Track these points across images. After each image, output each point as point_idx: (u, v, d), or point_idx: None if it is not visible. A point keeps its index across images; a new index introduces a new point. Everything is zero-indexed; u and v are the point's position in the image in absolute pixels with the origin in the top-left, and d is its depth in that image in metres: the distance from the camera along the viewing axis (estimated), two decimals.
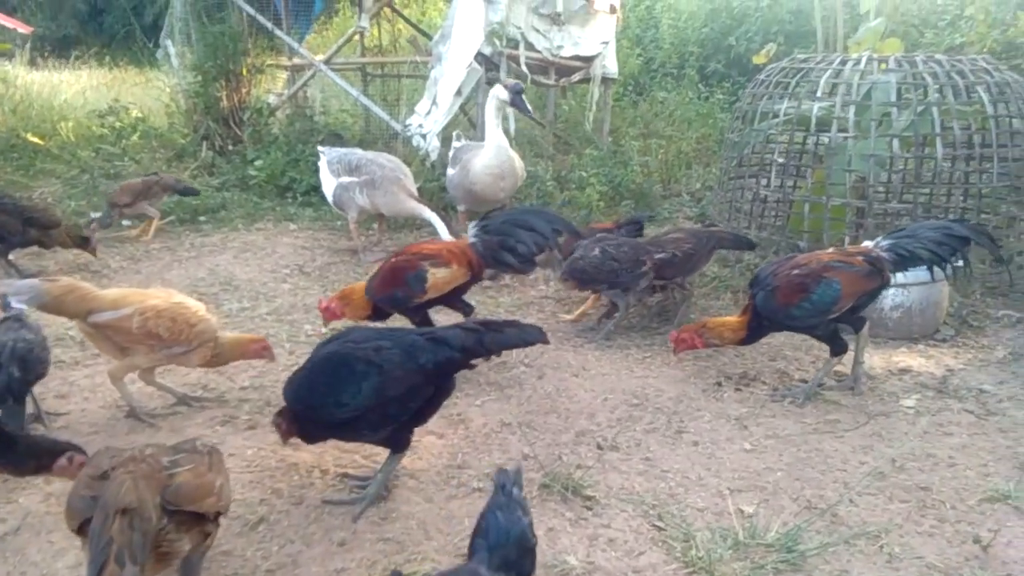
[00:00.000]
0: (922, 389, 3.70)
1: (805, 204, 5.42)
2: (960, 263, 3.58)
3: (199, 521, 2.08)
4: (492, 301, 4.90)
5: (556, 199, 6.47)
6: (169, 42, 10.61)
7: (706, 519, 2.68)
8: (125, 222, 6.35)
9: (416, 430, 3.16)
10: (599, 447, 3.15)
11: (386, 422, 2.61)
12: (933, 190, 5.59)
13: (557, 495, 2.77)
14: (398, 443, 2.72)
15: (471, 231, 3.83)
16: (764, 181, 5.86)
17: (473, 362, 2.70)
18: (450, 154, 6.36)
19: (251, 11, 8.71)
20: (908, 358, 4.10)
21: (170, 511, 1.99)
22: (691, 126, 9.30)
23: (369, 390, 2.52)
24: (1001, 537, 2.55)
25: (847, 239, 5.28)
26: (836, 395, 3.63)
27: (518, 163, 5.67)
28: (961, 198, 5.56)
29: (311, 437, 2.74)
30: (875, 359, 4.07)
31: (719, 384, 3.72)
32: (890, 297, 4.36)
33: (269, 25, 8.82)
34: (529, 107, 5.81)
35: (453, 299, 3.84)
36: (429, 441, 3.16)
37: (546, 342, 2.74)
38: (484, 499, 2.72)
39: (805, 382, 3.72)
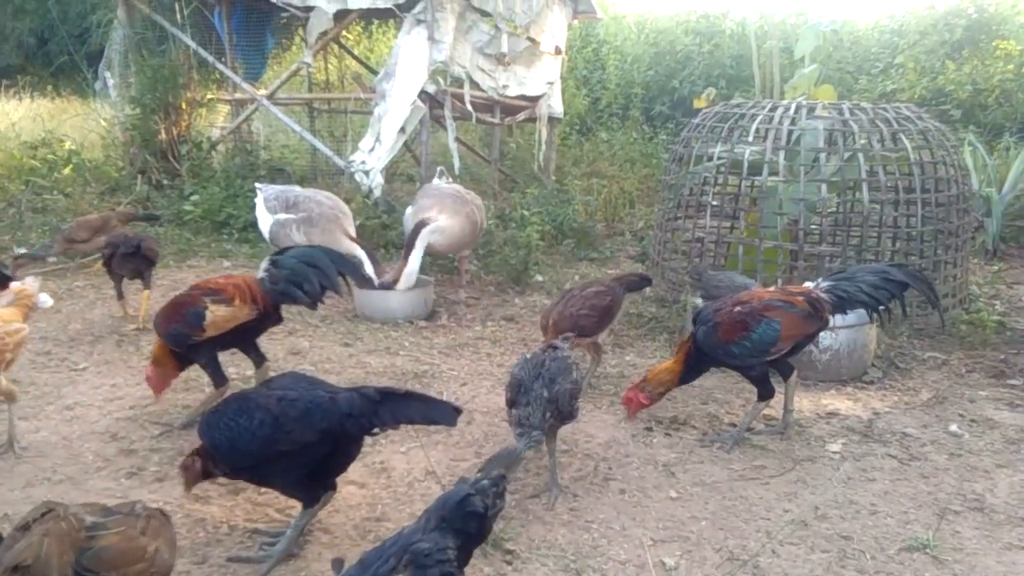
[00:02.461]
0: (848, 433, 3.72)
1: (739, 246, 5.51)
2: (897, 308, 3.62)
3: None
4: (426, 342, 4.82)
5: (497, 239, 6.43)
6: (108, 73, 10.42)
7: (627, 573, 2.62)
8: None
9: (337, 480, 3.08)
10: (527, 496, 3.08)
11: (284, 475, 2.51)
12: (863, 233, 5.74)
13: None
14: (305, 498, 2.60)
15: (262, 265, 3.62)
16: (700, 222, 5.93)
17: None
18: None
19: (192, 44, 8.60)
20: (836, 401, 4.13)
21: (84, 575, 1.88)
22: (635, 166, 9.44)
23: (262, 440, 2.43)
24: None
25: (779, 281, 5.37)
26: (764, 439, 3.62)
27: (466, 227, 5.50)
28: (890, 241, 5.72)
29: (228, 475, 2.64)
30: (804, 402, 4.09)
31: (649, 429, 3.69)
32: (819, 339, 4.41)
33: (210, 58, 8.72)
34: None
35: (245, 342, 3.64)
36: (348, 492, 3.05)
37: (452, 424, 2.57)
38: None
39: (735, 426, 3.71)
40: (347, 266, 3.82)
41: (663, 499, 3.08)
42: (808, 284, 3.67)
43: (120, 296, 4.98)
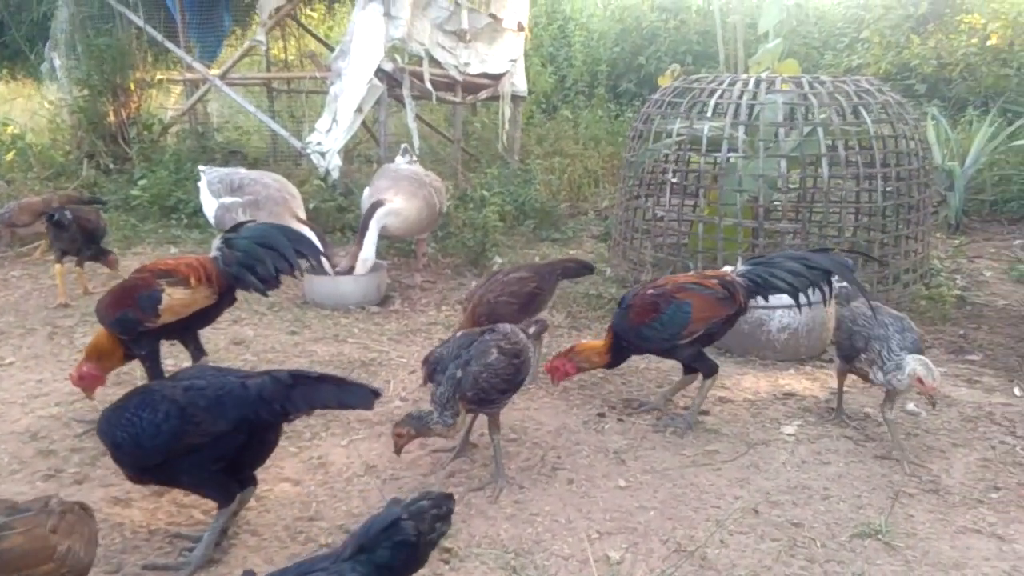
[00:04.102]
0: (804, 414, 3.63)
1: (699, 224, 5.39)
2: (817, 295, 3.50)
3: None
4: (377, 328, 4.66)
5: (455, 220, 6.26)
6: (55, 54, 10.04)
7: (569, 569, 2.50)
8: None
9: (269, 477, 2.94)
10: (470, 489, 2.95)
11: (195, 472, 2.36)
12: (825, 209, 5.65)
13: None
14: (219, 496, 2.45)
15: (214, 244, 3.37)
16: (659, 200, 5.81)
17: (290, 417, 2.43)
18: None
19: (139, 22, 8.29)
20: (794, 381, 4.04)
21: None
22: (600, 144, 9.28)
23: (168, 434, 2.27)
24: None
25: (739, 260, 5.26)
26: (718, 423, 3.53)
27: (424, 212, 5.36)
28: (851, 217, 5.64)
29: (134, 479, 2.47)
30: (761, 383, 4.00)
31: (602, 415, 3.58)
32: (777, 319, 4.32)
33: (158, 36, 8.41)
34: None
35: (190, 331, 3.38)
36: (281, 490, 2.90)
37: (369, 408, 2.43)
38: None
39: (689, 409, 3.61)
40: (306, 246, 3.55)
41: (611, 488, 2.96)
42: (727, 268, 3.58)
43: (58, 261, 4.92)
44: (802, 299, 3.43)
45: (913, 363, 2.99)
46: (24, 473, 2.91)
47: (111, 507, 2.71)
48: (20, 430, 3.24)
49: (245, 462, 2.48)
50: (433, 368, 2.86)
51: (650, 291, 3.40)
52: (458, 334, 2.99)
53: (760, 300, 3.62)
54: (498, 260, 6.09)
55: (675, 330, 3.33)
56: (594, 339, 4.57)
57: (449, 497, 1.96)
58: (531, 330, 3.17)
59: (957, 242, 6.80)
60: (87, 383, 3.13)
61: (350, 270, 5.00)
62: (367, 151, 8.81)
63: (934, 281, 5.53)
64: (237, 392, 2.33)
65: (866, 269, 5.11)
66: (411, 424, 2.75)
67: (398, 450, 2.81)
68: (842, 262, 3.47)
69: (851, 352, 3.30)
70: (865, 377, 3.28)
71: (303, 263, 3.49)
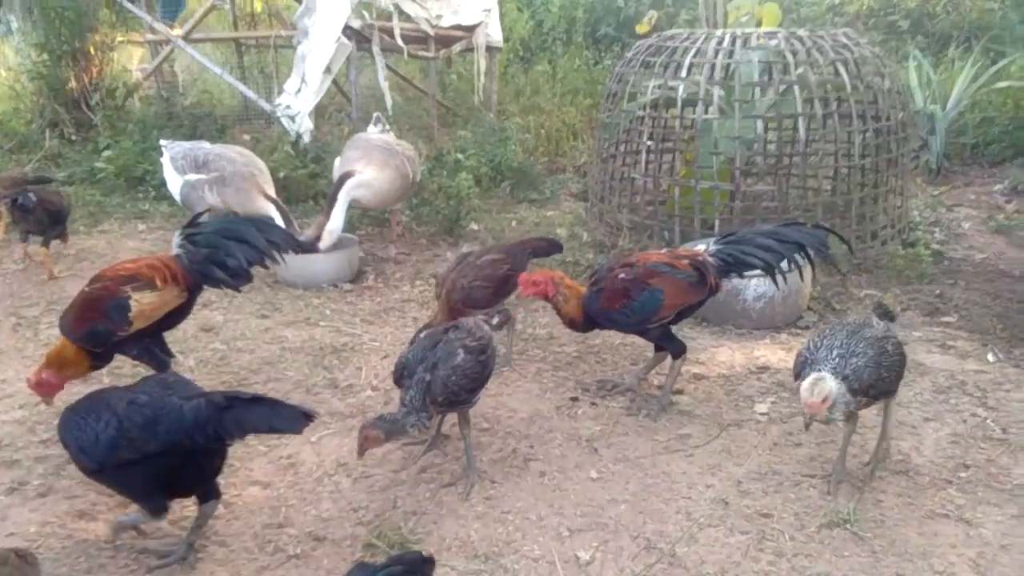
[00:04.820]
0: (778, 390, 3.62)
1: (675, 187, 5.30)
2: (791, 268, 3.46)
3: None
4: (350, 308, 4.59)
5: (429, 187, 6.12)
6: (11, 17, 9.66)
7: (539, 572, 2.51)
8: None
9: (238, 480, 2.92)
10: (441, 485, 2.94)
11: (128, 483, 2.40)
12: (802, 170, 5.56)
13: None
14: (149, 510, 2.48)
15: (175, 241, 3.28)
16: (635, 162, 5.70)
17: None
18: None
19: None
20: (768, 352, 4.03)
21: None
22: (578, 96, 9.05)
23: (105, 446, 2.29)
24: (836, 572, 2.48)
25: (717, 222, 5.20)
26: (692, 403, 3.51)
27: (395, 180, 5.25)
28: (829, 177, 5.55)
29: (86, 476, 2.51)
30: (736, 355, 3.99)
31: (575, 399, 3.55)
32: (752, 288, 4.27)
33: None
34: None
35: (156, 335, 3.29)
36: (250, 494, 2.88)
37: (297, 432, 2.37)
38: (300, 569, 2.50)
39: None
40: (276, 233, 3.46)
41: (584, 480, 2.96)
42: (699, 246, 3.52)
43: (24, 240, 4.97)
44: (777, 274, 3.39)
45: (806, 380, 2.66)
46: None
47: (75, 521, 2.68)
48: None
49: (185, 481, 2.46)
50: (401, 372, 2.82)
51: (621, 275, 3.33)
52: (422, 334, 2.93)
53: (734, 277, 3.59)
54: (474, 227, 5.99)
55: (645, 316, 3.30)
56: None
57: (427, 561, 1.87)
58: (494, 321, 3.11)
59: (937, 192, 6.74)
60: (45, 390, 3.04)
61: (316, 240, 4.90)
62: (338, 112, 8.55)
63: (912, 236, 5.50)
64: (174, 415, 2.32)
65: (844, 229, 5.05)
66: (383, 428, 2.70)
67: (361, 453, 2.75)
68: (815, 235, 3.41)
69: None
70: None
71: (273, 251, 3.38)
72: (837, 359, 2.70)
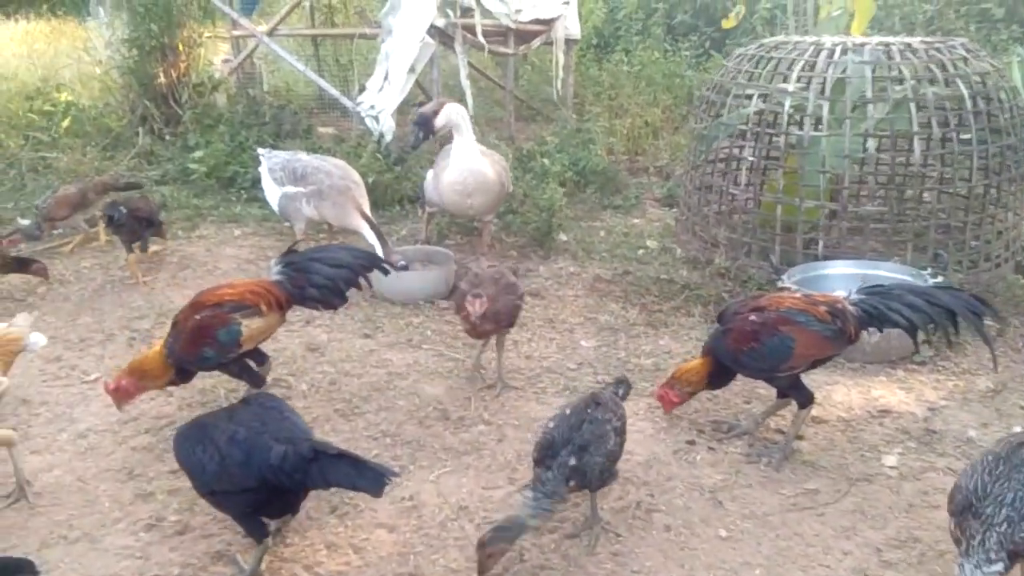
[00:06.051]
0: (904, 438, 3.49)
1: (777, 206, 5.13)
2: (935, 333, 3.30)
3: None
4: (450, 329, 4.57)
5: (516, 195, 6.00)
6: (101, 9, 9.86)
7: None
8: (56, 231, 5.87)
9: (364, 522, 2.95)
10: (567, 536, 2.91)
11: (232, 509, 2.59)
12: (919, 193, 5.34)
13: None
14: (252, 534, 2.62)
15: (274, 269, 3.54)
16: (734, 176, 5.55)
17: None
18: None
19: None
20: (888, 392, 3.89)
21: None
22: (657, 91, 8.83)
23: (211, 476, 2.49)
24: None
25: (822, 243, 5.03)
26: (814, 451, 3.41)
27: (492, 176, 5.20)
28: (945, 197, 5.28)
29: None
30: (853, 395, 3.86)
31: (692, 442, 3.48)
32: None
33: None
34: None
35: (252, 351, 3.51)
36: (377, 538, 2.89)
37: (378, 495, 2.41)
38: None
39: (782, 432, 3.50)
40: (371, 261, 3.77)
41: (712, 538, 2.89)
42: (840, 293, 3.37)
43: (129, 251, 5.12)
44: (920, 337, 3.25)
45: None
46: (126, 523, 2.93)
47: (214, 564, 2.73)
48: (116, 466, 3.26)
49: (273, 510, 2.63)
50: (545, 452, 2.69)
51: (751, 316, 3.24)
52: (567, 411, 2.84)
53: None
54: (563, 237, 5.92)
55: (774, 363, 3.19)
56: (672, 340, 4.47)
57: None
58: (620, 391, 3.08)
59: None
60: (120, 396, 3.18)
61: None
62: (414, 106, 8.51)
63: None
64: (264, 455, 2.43)
65: (950, 251, 4.85)
66: (506, 538, 2.53)
67: (484, 572, 2.53)
68: (971, 305, 3.19)
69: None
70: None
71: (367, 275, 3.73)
72: (1005, 525, 2.18)
